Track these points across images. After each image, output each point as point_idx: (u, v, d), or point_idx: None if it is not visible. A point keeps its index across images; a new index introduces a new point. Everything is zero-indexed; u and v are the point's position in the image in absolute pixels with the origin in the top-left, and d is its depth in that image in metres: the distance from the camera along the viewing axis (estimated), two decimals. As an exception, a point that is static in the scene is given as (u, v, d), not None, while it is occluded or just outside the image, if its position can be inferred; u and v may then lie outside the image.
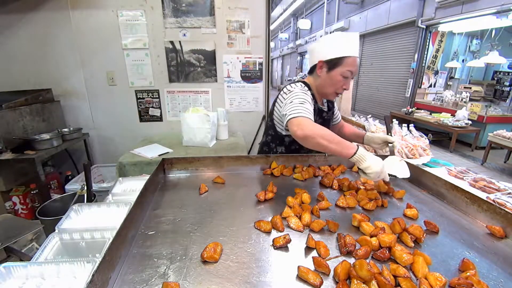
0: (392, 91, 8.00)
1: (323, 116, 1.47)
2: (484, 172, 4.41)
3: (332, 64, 1.26)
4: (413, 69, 7.03)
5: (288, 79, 17.36)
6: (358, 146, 1.06)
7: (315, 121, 1.35)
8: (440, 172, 1.52)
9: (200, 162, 1.35)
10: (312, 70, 1.38)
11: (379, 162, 1.03)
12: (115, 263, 0.67)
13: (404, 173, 1.21)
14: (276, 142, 1.51)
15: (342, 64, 1.25)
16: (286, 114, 1.19)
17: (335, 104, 1.63)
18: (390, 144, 1.32)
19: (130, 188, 1.24)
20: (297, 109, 1.17)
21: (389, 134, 1.37)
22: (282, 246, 0.78)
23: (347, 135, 1.63)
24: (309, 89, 1.37)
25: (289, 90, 1.31)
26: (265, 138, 1.58)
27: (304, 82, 1.39)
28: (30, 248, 1.14)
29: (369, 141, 1.45)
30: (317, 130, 1.08)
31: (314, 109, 1.36)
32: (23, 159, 1.99)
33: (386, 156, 1.28)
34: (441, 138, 5.96)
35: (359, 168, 1.06)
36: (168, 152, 2.20)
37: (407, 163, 1.28)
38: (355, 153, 1.03)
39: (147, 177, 1.15)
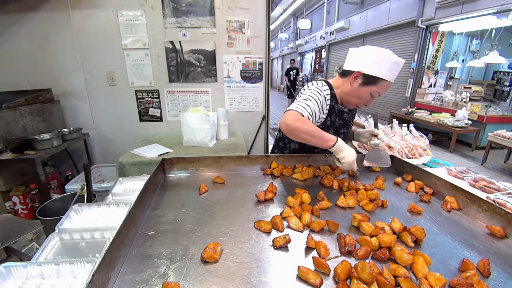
0: (392, 91, 7.98)
1: (344, 117, 1.42)
2: (484, 172, 4.41)
3: (369, 80, 1.23)
4: (413, 69, 7.03)
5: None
6: (337, 138, 1.15)
7: (335, 122, 1.40)
8: (440, 172, 1.52)
9: (200, 162, 1.35)
10: (345, 74, 1.32)
11: (353, 154, 1.16)
12: (115, 263, 0.67)
13: (387, 162, 1.35)
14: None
15: (377, 85, 1.23)
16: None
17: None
18: (375, 137, 1.41)
19: (130, 188, 1.24)
20: (297, 103, 1.21)
21: (376, 128, 1.46)
22: (282, 246, 0.78)
23: None
24: (331, 89, 1.34)
25: (308, 87, 1.34)
26: (281, 133, 1.55)
27: (327, 82, 1.36)
28: (30, 248, 1.14)
29: (358, 135, 1.55)
30: (301, 124, 1.13)
31: (334, 110, 1.36)
32: (23, 159, 1.99)
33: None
34: (441, 138, 5.96)
35: (336, 158, 1.18)
36: (168, 152, 2.20)
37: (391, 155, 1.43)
38: (334, 145, 1.14)
39: (147, 177, 1.15)
